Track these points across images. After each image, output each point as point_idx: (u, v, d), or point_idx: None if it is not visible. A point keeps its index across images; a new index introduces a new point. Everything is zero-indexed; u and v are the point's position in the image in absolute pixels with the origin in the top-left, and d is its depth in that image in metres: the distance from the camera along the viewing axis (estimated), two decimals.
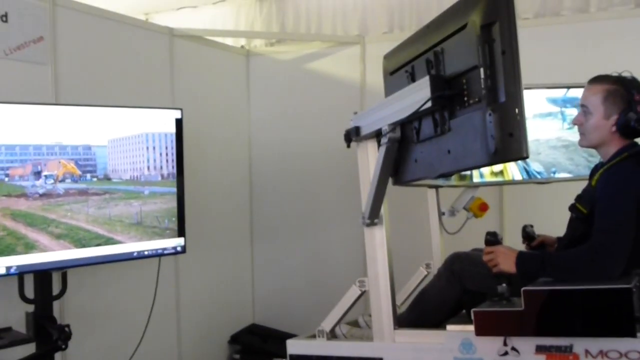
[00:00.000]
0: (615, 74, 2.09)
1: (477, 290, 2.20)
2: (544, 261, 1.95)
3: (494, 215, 3.51)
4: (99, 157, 2.68)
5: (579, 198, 2.14)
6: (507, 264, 2.00)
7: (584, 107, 2.11)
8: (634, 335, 1.72)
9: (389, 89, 2.25)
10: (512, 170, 2.96)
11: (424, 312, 2.38)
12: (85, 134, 2.63)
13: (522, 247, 2.43)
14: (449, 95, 1.73)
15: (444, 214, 3.00)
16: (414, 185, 2.58)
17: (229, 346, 3.99)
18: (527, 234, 2.43)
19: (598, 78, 2.11)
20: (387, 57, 2.32)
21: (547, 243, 2.41)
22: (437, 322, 2.25)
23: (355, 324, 2.64)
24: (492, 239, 2.11)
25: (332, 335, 2.38)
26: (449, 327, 2.06)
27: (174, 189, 2.94)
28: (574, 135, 2.26)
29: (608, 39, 3.39)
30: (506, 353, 1.90)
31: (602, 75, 2.11)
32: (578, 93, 2.22)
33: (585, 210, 2.04)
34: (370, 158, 2.21)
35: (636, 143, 2.11)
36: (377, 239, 2.20)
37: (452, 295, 2.32)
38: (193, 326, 3.69)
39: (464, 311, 2.31)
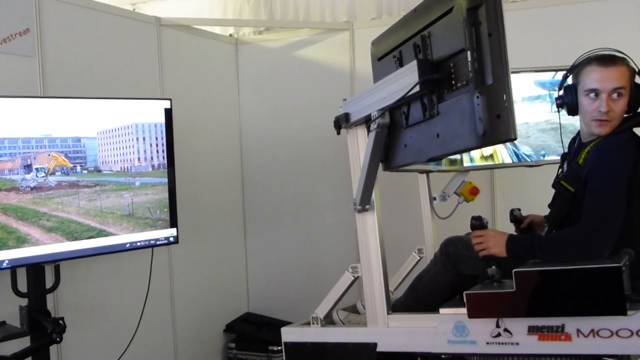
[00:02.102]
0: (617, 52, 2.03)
1: (471, 273, 2.20)
2: (534, 244, 1.95)
3: (485, 199, 3.53)
4: (88, 149, 2.67)
5: (564, 176, 2.13)
6: (497, 248, 2.02)
7: (619, 90, 1.99)
8: (624, 313, 1.73)
9: (378, 75, 2.24)
10: (502, 153, 2.97)
11: (421, 297, 2.39)
12: (74, 126, 2.62)
13: (513, 230, 2.44)
14: (437, 79, 1.72)
15: (435, 198, 3.02)
16: (405, 170, 2.58)
17: (224, 335, 4.01)
18: (515, 217, 2.44)
19: (616, 57, 2.00)
20: (374, 43, 2.31)
21: (535, 223, 2.43)
22: (434, 307, 2.22)
23: (353, 309, 2.65)
24: (478, 223, 2.12)
25: (328, 321, 2.39)
26: (442, 311, 2.07)
27: (165, 180, 2.94)
28: (562, 118, 2.24)
29: (596, 20, 3.38)
30: (499, 334, 1.92)
31: (613, 53, 2.01)
32: None
33: (572, 189, 2.03)
34: (360, 144, 2.21)
35: None
36: (368, 225, 2.20)
37: (448, 279, 2.32)
38: (188, 316, 3.70)
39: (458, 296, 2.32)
